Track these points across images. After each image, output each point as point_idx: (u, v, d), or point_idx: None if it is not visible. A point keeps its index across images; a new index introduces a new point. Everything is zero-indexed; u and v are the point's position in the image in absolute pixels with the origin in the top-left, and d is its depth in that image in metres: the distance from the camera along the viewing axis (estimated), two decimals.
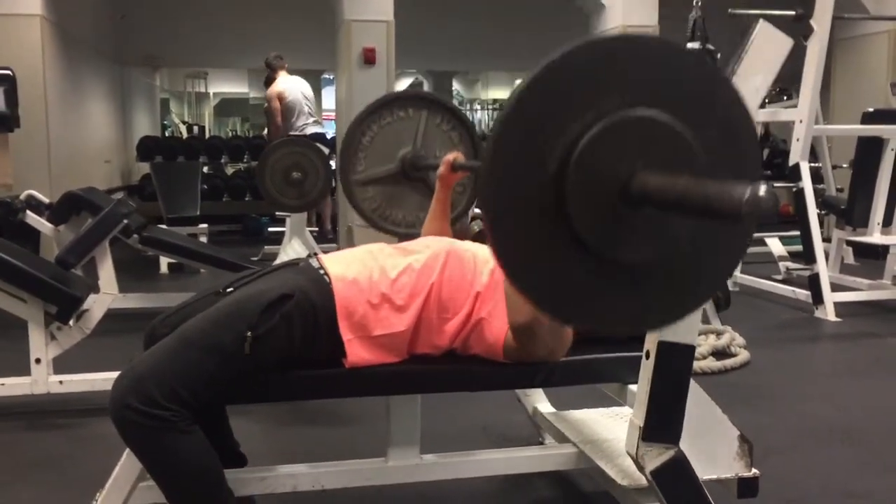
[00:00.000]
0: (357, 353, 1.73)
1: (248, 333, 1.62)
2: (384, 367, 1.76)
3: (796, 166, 4.88)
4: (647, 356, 1.50)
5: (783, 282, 5.51)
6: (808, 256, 4.84)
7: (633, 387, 2.06)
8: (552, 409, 2.34)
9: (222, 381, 1.65)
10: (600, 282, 1.12)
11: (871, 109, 5.71)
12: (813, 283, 4.81)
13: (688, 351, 1.49)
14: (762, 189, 0.86)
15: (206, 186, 8.37)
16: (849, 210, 5.48)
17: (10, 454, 2.60)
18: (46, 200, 4.63)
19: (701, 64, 1.16)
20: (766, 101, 6.13)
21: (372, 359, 1.74)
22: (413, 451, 1.94)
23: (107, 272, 3.04)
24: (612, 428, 2.08)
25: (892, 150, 5.23)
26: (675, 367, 1.48)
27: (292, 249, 3.20)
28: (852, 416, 3.00)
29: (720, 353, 3.78)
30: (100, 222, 2.98)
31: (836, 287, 4.95)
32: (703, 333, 3.90)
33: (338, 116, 7.05)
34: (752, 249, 5.39)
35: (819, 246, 4.83)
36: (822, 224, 5.80)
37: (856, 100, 7.18)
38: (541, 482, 2.25)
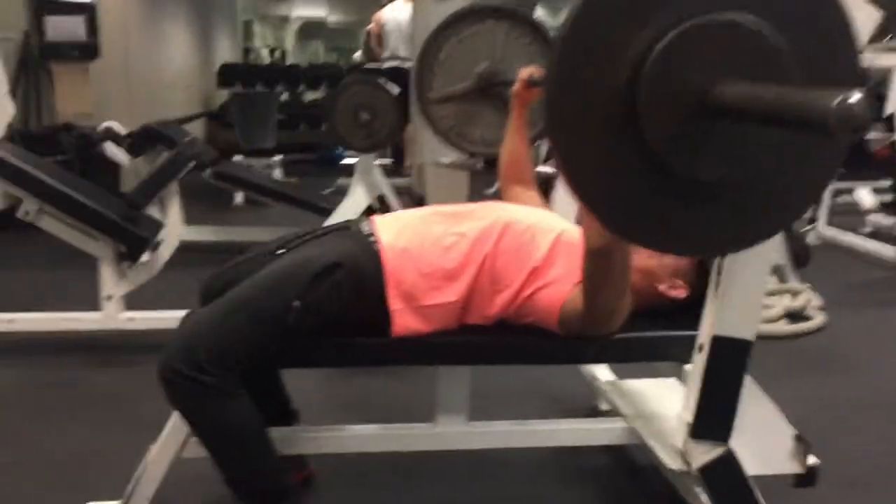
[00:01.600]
0: (404, 322, 1.71)
1: (296, 303, 1.61)
2: (432, 336, 1.73)
3: (892, 116, 4.60)
4: (700, 349, 1.43)
5: (871, 236, 5.27)
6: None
7: (688, 367, 2.02)
8: (610, 377, 2.30)
9: (269, 347, 1.65)
10: (672, 198, 1.06)
11: None
12: None
13: (744, 346, 1.41)
14: (854, 97, 0.78)
15: (282, 116, 8.41)
16: None
17: (72, 390, 2.69)
18: (124, 131, 4.72)
19: None
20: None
21: (420, 328, 1.72)
22: (461, 418, 1.92)
23: (174, 214, 3.09)
24: (666, 401, 2.01)
25: None
26: (730, 363, 1.41)
27: (357, 195, 3.17)
28: None
29: (794, 316, 3.64)
30: (168, 164, 3.01)
31: None
32: (777, 293, 3.76)
33: (414, 41, 6.93)
34: (839, 199, 5.19)
35: None
36: None
37: None
38: (592, 450, 2.21)
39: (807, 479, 1.61)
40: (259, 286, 1.66)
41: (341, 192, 6.82)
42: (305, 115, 9.58)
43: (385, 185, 4.48)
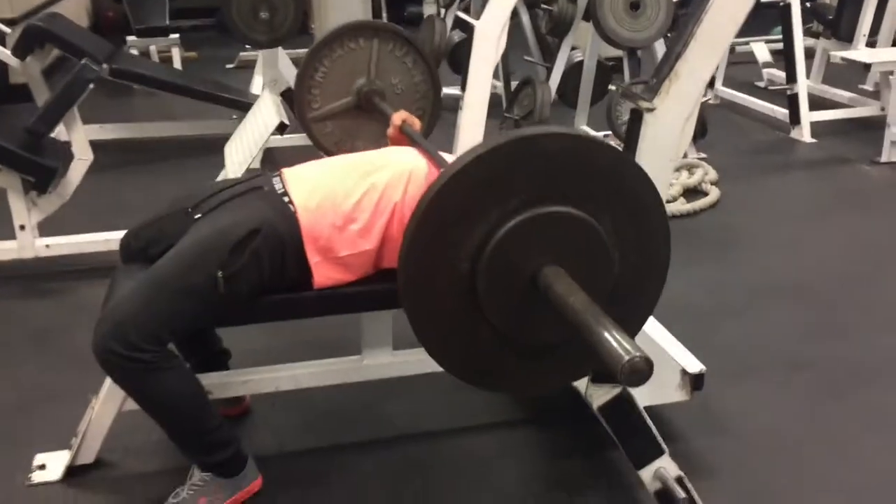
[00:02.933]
0: (324, 273, 1.80)
1: (220, 273, 1.68)
2: (352, 286, 1.84)
3: None
4: None
5: (763, 92, 5.50)
6: (788, 76, 4.80)
7: None
8: None
9: (199, 318, 1.75)
10: (509, 355, 1.29)
11: None
12: (792, 103, 4.81)
13: None
14: (637, 363, 0.97)
15: None
16: (836, 21, 5.34)
17: (6, 325, 2.73)
18: (7, 30, 4.47)
19: (607, 151, 1.25)
20: None
21: (339, 277, 1.82)
22: (386, 350, 2.08)
23: (79, 139, 3.03)
24: None
25: None
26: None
27: (266, 105, 3.14)
28: (807, 269, 3.15)
29: (691, 191, 3.87)
30: (66, 90, 2.91)
31: (815, 101, 4.95)
32: (676, 169, 3.96)
33: None
34: (738, 49, 5.40)
35: (801, 65, 4.77)
36: (814, 36, 5.68)
37: None
38: None
39: (695, 385, 1.85)
40: (180, 261, 1.72)
41: (245, 67, 6.67)
42: None
43: (291, 80, 4.41)
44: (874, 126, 4.80)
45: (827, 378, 2.40)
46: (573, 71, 4.46)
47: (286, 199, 1.82)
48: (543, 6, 4.26)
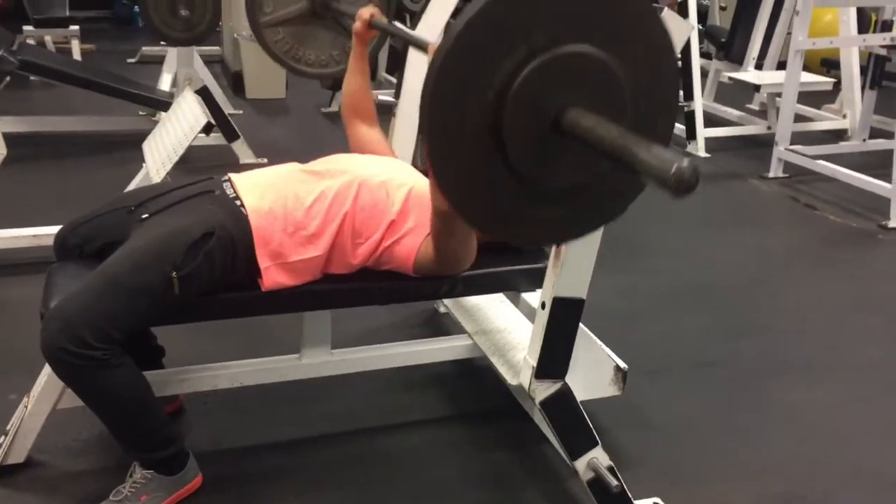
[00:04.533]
0: (273, 278, 1.84)
1: (174, 274, 1.70)
2: (298, 287, 1.88)
3: (684, 2, 4.98)
4: (543, 307, 1.69)
5: None
6: (686, 94, 5.08)
7: (525, 295, 2.30)
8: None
9: (150, 316, 1.75)
10: (528, 201, 1.26)
11: None
12: (688, 120, 5.09)
13: (579, 303, 1.69)
14: (687, 165, 0.99)
15: None
16: (728, 44, 5.69)
17: None
18: None
19: None
20: None
21: (288, 282, 1.86)
22: (325, 349, 2.12)
23: None
24: (503, 315, 2.30)
25: None
26: (568, 317, 1.69)
27: (188, 104, 3.10)
28: (708, 275, 3.36)
29: None
30: None
31: (707, 118, 5.24)
32: None
33: None
34: None
35: (697, 84, 5.06)
36: (707, 57, 6.01)
37: None
38: (444, 368, 2.46)
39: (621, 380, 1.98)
40: (133, 260, 1.72)
41: (148, 62, 6.53)
42: None
43: (207, 76, 4.38)
44: (761, 143, 5.15)
45: (733, 374, 2.59)
46: None
47: (238, 202, 1.85)
48: None
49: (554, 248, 1.67)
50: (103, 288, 1.69)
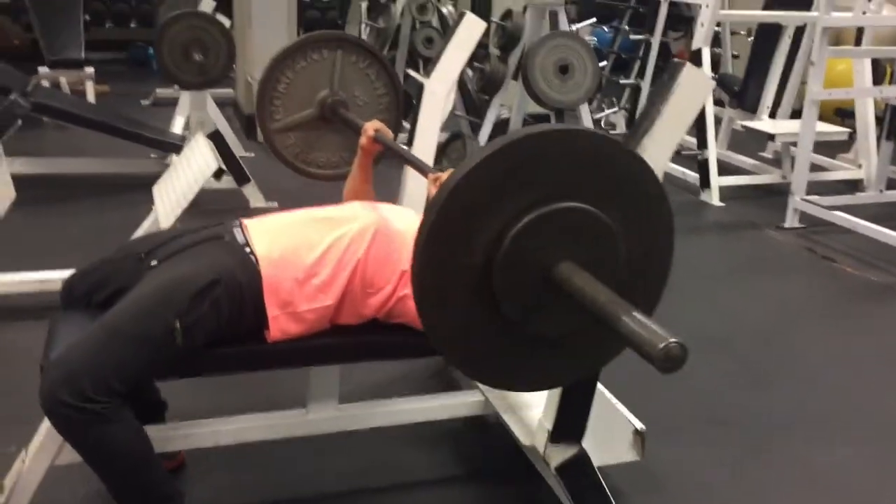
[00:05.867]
0: (281, 328, 1.79)
1: (178, 323, 1.65)
2: (305, 340, 1.83)
3: (698, 52, 4.97)
4: None
5: (676, 156, 5.75)
6: (699, 142, 5.05)
7: None
8: None
9: (154, 367, 1.70)
10: (522, 351, 1.27)
11: None
12: (702, 168, 5.05)
13: None
14: (674, 348, 0.99)
15: (87, 16, 7.79)
16: (742, 92, 5.67)
17: None
18: None
19: (619, 147, 1.26)
20: None
21: (296, 332, 1.81)
22: (332, 403, 2.06)
23: (2, 175, 2.91)
24: None
25: (789, 36, 5.37)
26: (585, 379, 1.63)
27: (200, 148, 3.09)
28: (722, 326, 3.29)
29: None
30: None
31: (721, 167, 5.20)
32: None
33: None
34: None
35: (711, 132, 5.03)
36: (721, 104, 6.00)
37: None
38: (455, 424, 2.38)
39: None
40: (137, 308, 1.67)
41: (162, 105, 6.55)
42: (112, 12, 8.91)
43: (219, 119, 4.38)
44: (776, 192, 5.10)
45: (750, 433, 2.50)
46: (499, 127, 4.58)
47: (247, 249, 1.80)
48: (476, 65, 4.38)
49: None
50: (105, 338, 1.64)
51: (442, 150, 4.16)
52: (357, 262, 1.82)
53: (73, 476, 1.99)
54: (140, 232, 3.13)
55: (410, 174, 2.53)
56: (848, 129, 5.31)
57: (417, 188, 2.47)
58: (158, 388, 2.11)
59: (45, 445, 1.83)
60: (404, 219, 1.96)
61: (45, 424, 1.81)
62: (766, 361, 3.00)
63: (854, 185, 5.31)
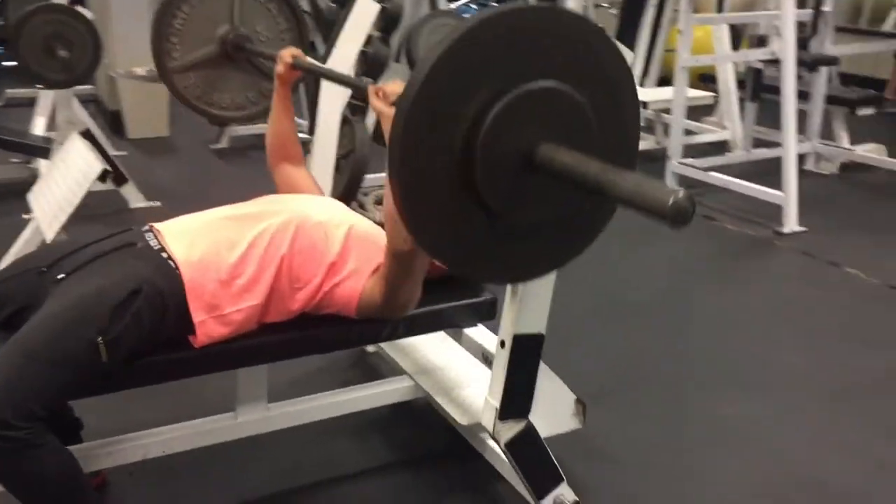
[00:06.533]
0: (208, 332, 1.71)
1: (100, 339, 1.55)
2: (233, 341, 1.75)
3: None
4: (503, 346, 1.63)
5: None
6: None
7: (467, 330, 2.25)
8: None
9: (77, 387, 1.59)
10: (499, 238, 1.24)
11: None
12: None
13: (539, 339, 1.64)
14: (682, 196, 0.97)
15: None
16: None
17: None
18: None
19: (585, 27, 1.23)
20: None
21: (224, 334, 1.73)
22: (262, 404, 1.99)
23: None
24: (441, 353, 2.23)
25: (654, 6, 5.57)
26: (529, 354, 1.64)
27: (75, 149, 2.89)
28: (619, 288, 3.40)
29: None
30: None
31: None
32: None
33: None
34: None
35: None
36: None
37: None
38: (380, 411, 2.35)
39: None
40: (53, 328, 1.55)
41: (14, 105, 6.12)
42: None
43: (87, 118, 4.14)
44: (652, 158, 5.28)
45: (668, 392, 2.61)
46: None
47: (164, 254, 1.71)
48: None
49: (510, 288, 1.62)
50: (21, 362, 1.51)
51: None
52: (282, 259, 1.76)
53: None
54: (21, 244, 2.93)
55: (317, 165, 2.48)
56: (713, 94, 5.56)
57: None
58: (72, 406, 1.98)
59: None
60: (323, 209, 1.91)
61: None
62: (668, 322, 3.12)
63: (721, 147, 5.57)
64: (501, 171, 1.17)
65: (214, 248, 1.73)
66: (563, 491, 1.75)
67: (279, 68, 2.08)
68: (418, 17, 4.23)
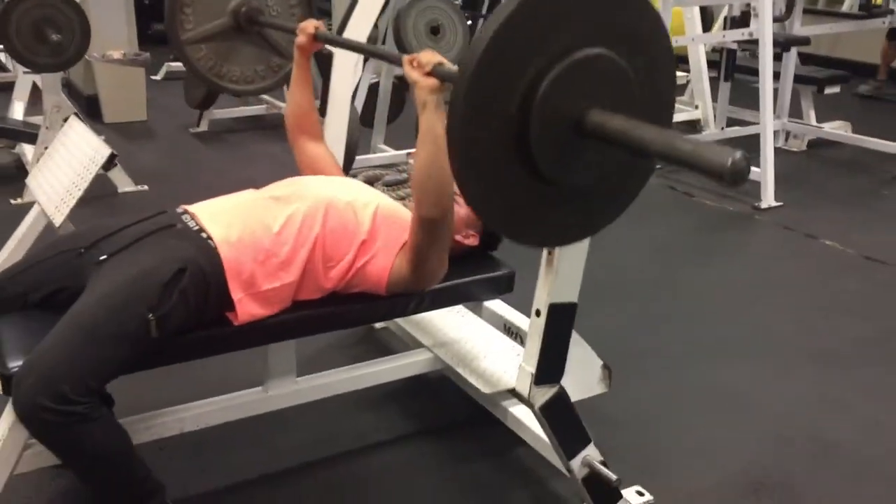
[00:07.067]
0: (247, 309, 1.77)
1: (150, 316, 1.60)
2: (270, 318, 1.82)
3: None
4: (539, 314, 1.72)
5: None
6: None
7: (487, 303, 2.33)
8: None
9: (130, 363, 1.64)
10: (549, 203, 1.30)
11: None
12: None
13: (572, 308, 1.73)
14: (739, 157, 1.03)
15: None
16: None
17: None
18: None
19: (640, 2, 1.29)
20: None
21: (261, 312, 1.79)
22: (290, 378, 2.05)
23: None
24: (457, 325, 2.31)
25: None
26: (563, 322, 1.72)
27: (76, 133, 2.89)
28: (609, 267, 3.51)
29: None
30: None
31: None
32: None
33: None
34: None
35: None
36: None
37: None
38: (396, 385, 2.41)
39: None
40: (105, 305, 1.60)
41: None
42: None
43: (69, 105, 4.12)
44: None
45: (667, 362, 2.72)
46: (373, 91, 4.57)
47: (203, 235, 1.76)
48: None
49: (546, 256, 1.70)
50: (79, 338, 1.56)
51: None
52: (315, 238, 1.82)
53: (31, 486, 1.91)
54: (24, 228, 2.93)
55: (329, 145, 2.52)
56: (685, 74, 5.69)
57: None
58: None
59: (2, 457, 1.73)
60: (348, 190, 1.97)
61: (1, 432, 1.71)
62: (659, 299, 3.23)
63: (692, 126, 5.71)
64: (553, 136, 1.22)
65: (250, 229, 1.79)
66: (591, 452, 1.84)
67: (301, 39, 2.12)
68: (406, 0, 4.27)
